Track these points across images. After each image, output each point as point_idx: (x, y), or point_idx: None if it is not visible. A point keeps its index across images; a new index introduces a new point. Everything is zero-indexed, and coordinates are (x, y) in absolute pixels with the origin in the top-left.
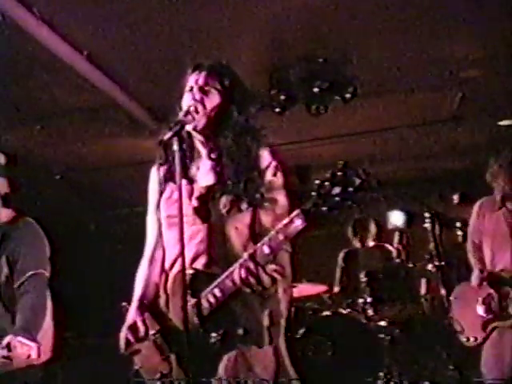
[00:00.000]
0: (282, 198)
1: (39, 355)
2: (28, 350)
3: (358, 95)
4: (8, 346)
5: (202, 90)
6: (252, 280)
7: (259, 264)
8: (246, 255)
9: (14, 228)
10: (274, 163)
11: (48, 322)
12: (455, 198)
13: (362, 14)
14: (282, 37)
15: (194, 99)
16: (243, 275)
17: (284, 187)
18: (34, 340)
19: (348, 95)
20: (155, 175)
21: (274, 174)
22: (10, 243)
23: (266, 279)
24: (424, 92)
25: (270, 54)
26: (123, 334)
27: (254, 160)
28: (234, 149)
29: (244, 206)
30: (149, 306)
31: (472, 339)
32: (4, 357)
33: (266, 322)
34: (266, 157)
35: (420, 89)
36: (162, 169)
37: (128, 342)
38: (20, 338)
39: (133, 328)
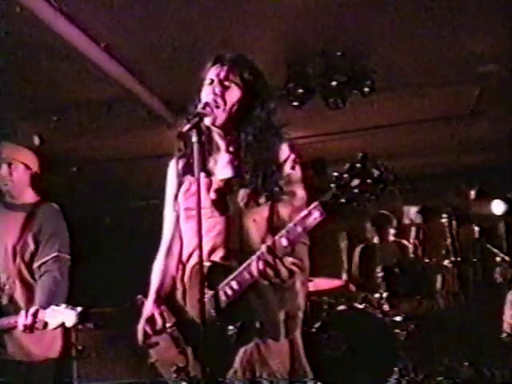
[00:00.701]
0: (300, 191)
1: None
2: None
3: (375, 89)
4: (35, 315)
5: (222, 84)
6: (270, 272)
7: (277, 256)
8: (263, 247)
9: (39, 209)
10: (292, 156)
11: None
12: (472, 193)
13: (381, 7)
14: (299, 30)
15: (214, 93)
16: (261, 267)
17: (302, 180)
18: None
19: (366, 89)
20: (174, 168)
21: (293, 168)
22: (36, 223)
23: (283, 272)
24: (442, 87)
25: (287, 48)
26: (141, 326)
27: (272, 153)
28: (254, 144)
29: (262, 199)
30: (165, 298)
31: None
32: (27, 327)
33: (282, 315)
34: (284, 150)
35: (438, 83)
36: (181, 161)
37: (146, 335)
38: (53, 307)
39: (150, 320)
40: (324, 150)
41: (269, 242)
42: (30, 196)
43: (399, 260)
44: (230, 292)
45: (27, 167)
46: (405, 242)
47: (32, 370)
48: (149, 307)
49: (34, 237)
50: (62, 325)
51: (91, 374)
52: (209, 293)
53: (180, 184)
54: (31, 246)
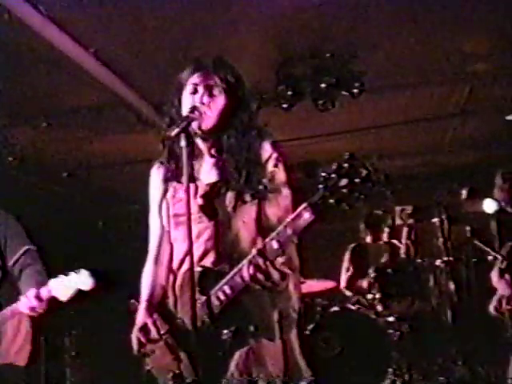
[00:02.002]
0: (284, 189)
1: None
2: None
3: (365, 90)
4: (38, 297)
5: (210, 92)
6: (261, 276)
7: (268, 259)
8: (254, 251)
9: None
10: (274, 155)
11: (26, 326)
12: (463, 192)
13: (369, 9)
14: (288, 32)
15: (202, 102)
16: (251, 272)
17: (286, 178)
18: None
19: (355, 90)
20: (156, 175)
21: (276, 165)
22: None
23: (275, 274)
24: (431, 86)
25: (276, 50)
26: (134, 335)
27: (255, 153)
28: (235, 144)
29: (248, 197)
30: (157, 306)
31: None
32: (34, 309)
33: (276, 316)
34: (266, 149)
35: (427, 83)
36: (163, 168)
37: (140, 344)
38: (54, 280)
39: (144, 329)
40: (313, 151)
41: (259, 245)
42: None
43: (391, 260)
44: (222, 297)
45: None
46: (397, 242)
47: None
48: (141, 316)
49: None
50: (79, 291)
51: (84, 381)
52: (201, 298)
53: (165, 190)
54: None
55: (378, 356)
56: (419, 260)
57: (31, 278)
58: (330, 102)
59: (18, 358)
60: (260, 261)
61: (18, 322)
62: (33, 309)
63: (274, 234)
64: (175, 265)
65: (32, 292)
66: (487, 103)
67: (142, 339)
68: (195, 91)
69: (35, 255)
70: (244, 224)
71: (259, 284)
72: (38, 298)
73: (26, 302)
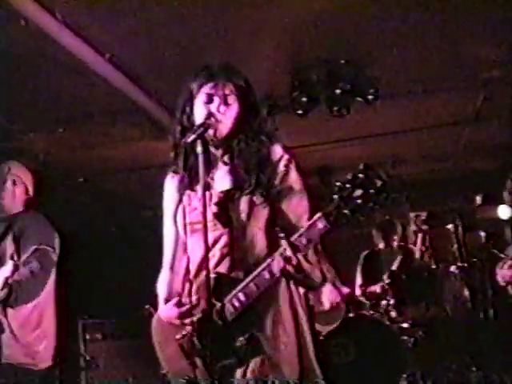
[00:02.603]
0: (297, 187)
1: None
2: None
3: (380, 96)
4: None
5: (225, 101)
6: (291, 269)
7: (299, 250)
8: (284, 243)
9: (20, 217)
10: (285, 156)
11: (49, 330)
12: (478, 198)
13: (384, 15)
14: (303, 39)
15: (218, 111)
16: (282, 265)
17: (298, 177)
18: None
19: (370, 97)
20: (170, 183)
21: (286, 166)
22: (16, 226)
23: (316, 273)
24: (446, 93)
25: (291, 56)
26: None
27: (265, 155)
28: (245, 149)
29: (259, 199)
30: None
31: None
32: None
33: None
34: (277, 151)
35: (442, 90)
36: (177, 176)
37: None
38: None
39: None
40: (329, 157)
41: (271, 258)
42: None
43: (406, 266)
44: (237, 304)
45: (27, 191)
46: (411, 247)
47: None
48: (168, 310)
49: (13, 237)
50: None
51: None
52: (217, 305)
53: (179, 199)
54: (10, 248)
55: (393, 362)
56: (434, 266)
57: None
58: (344, 108)
59: (41, 359)
60: (289, 253)
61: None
62: None
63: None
64: (191, 273)
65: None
66: (502, 110)
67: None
68: (210, 100)
69: (43, 255)
70: (258, 230)
71: (290, 277)
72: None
73: None
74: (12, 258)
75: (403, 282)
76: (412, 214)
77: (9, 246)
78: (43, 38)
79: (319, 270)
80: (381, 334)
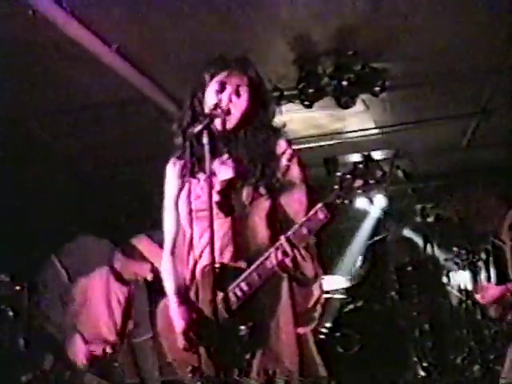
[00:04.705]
0: (298, 182)
1: None
2: None
3: (387, 88)
4: None
5: (237, 91)
6: (289, 263)
7: (296, 247)
8: (282, 238)
9: None
10: (289, 150)
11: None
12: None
13: (391, 6)
14: (311, 30)
15: (230, 100)
16: (280, 258)
17: (300, 172)
18: None
19: (377, 88)
20: (171, 170)
21: (289, 160)
22: None
23: (309, 269)
24: (453, 85)
25: (298, 48)
26: (181, 336)
27: (269, 148)
28: (252, 141)
29: (262, 191)
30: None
31: None
32: None
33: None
34: (281, 145)
35: (450, 82)
36: (179, 164)
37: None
38: None
39: (191, 327)
40: (335, 149)
41: (273, 248)
42: None
43: (412, 258)
44: (239, 293)
45: None
46: (417, 239)
47: None
48: (177, 314)
49: None
50: None
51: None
52: (219, 294)
53: (180, 186)
54: None
55: (398, 353)
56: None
57: None
58: (351, 99)
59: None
60: (288, 248)
61: None
62: None
63: (289, 233)
64: (193, 260)
65: None
66: (510, 101)
67: (193, 337)
68: (222, 89)
69: None
70: (260, 220)
71: (287, 272)
72: None
73: None
74: None
75: (409, 274)
76: (418, 206)
77: None
78: (51, 28)
79: (312, 266)
80: (386, 325)
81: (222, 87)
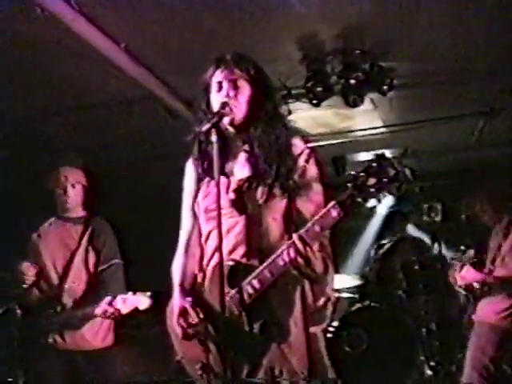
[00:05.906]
0: (316, 184)
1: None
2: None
3: (395, 87)
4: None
5: (234, 84)
6: (301, 261)
7: (308, 244)
8: (295, 236)
9: (92, 223)
10: (306, 150)
11: None
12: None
13: (399, 5)
14: (318, 29)
15: (228, 95)
16: (292, 255)
17: (318, 173)
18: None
19: (385, 87)
20: (191, 169)
21: (307, 161)
22: (93, 234)
23: (318, 265)
24: (460, 84)
25: (306, 47)
26: (175, 321)
27: (286, 147)
28: (263, 137)
29: (278, 192)
30: (190, 290)
31: None
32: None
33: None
34: (298, 145)
35: (458, 80)
36: (198, 163)
37: (183, 329)
38: (121, 296)
39: (183, 314)
40: (344, 147)
41: (285, 245)
42: (80, 211)
43: (419, 257)
44: (251, 290)
45: (84, 187)
46: (425, 239)
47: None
48: (177, 301)
49: (93, 247)
50: (136, 309)
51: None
52: (231, 291)
53: (198, 185)
54: (92, 256)
55: (405, 352)
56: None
57: (111, 287)
58: (359, 98)
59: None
60: (300, 246)
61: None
62: (104, 313)
63: (302, 232)
64: (206, 258)
65: (107, 299)
66: None
67: (184, 324)
68: (220, 88)
69: (120, 268)
70: (274, 220)
71: (299, 270)
72: (110, 305)
73: (101, 307)
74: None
75: (416, 273)
76: (425, 206)
77: (91, 252)
78: (58, 26)
79: (322, 264)
80: (393, 324)
81: (220, 86)
